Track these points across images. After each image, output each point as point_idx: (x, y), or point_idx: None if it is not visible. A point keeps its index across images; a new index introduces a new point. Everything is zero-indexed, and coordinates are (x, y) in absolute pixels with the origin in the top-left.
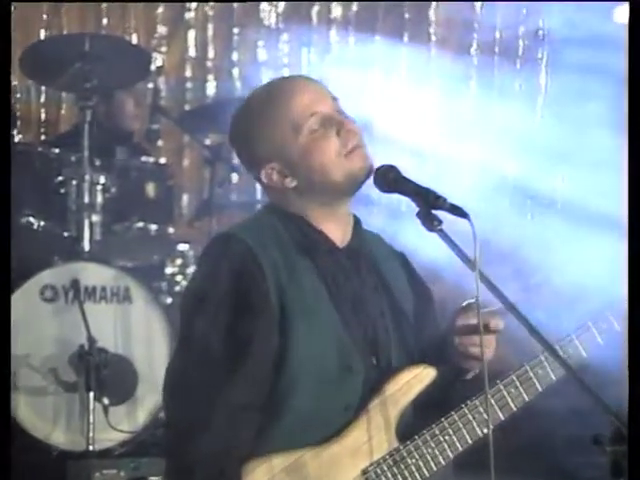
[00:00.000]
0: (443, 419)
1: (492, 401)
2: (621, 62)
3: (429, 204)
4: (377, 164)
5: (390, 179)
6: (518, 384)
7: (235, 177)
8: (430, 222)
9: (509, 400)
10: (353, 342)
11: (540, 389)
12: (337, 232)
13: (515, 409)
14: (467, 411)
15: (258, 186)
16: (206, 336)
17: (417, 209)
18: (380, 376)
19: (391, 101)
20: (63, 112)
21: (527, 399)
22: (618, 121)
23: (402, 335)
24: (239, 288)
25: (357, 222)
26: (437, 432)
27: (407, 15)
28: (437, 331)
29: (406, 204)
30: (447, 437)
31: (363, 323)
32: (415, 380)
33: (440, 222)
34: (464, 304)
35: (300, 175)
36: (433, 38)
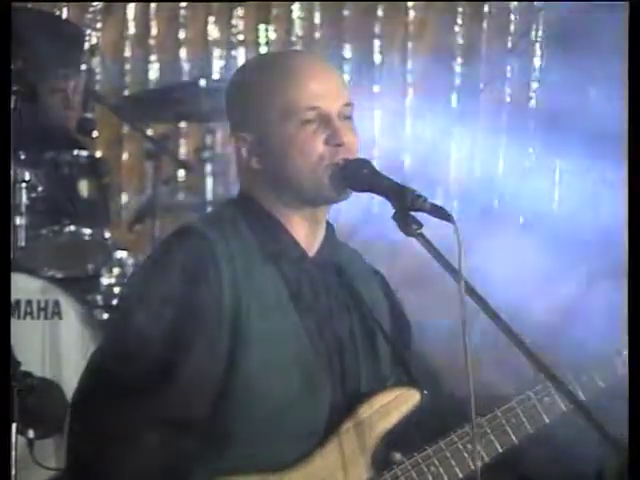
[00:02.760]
0: (427, 447)
1: (488, 429)
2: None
3: (407, 205)
4: None
5: (363, 176)
6: (520, 412)
7: (182, 173)
8: (408, 225)
9: (508, 429)
10: (318, 361)
11: (547, 420)
12: (307, 237)
13: (515, 441)
14: (456, 439)
15: (209, 184)
16: (141, 332)
17: (393, 210)
18: (349, 401)
19: (362, 85)
20: None
21: (530, 430)
22: (623, 109)
23: (374, 360)
24: (190, 284)
25: (330, 229)
26: (420, 461)
27: None
28: (413, 364)
29: (380, 204)
30: (432, 468)
31: (330, 342)
32: (395, 403)
33: (420, 225)
34: None
35: (268, 162)
36: (411, 13)
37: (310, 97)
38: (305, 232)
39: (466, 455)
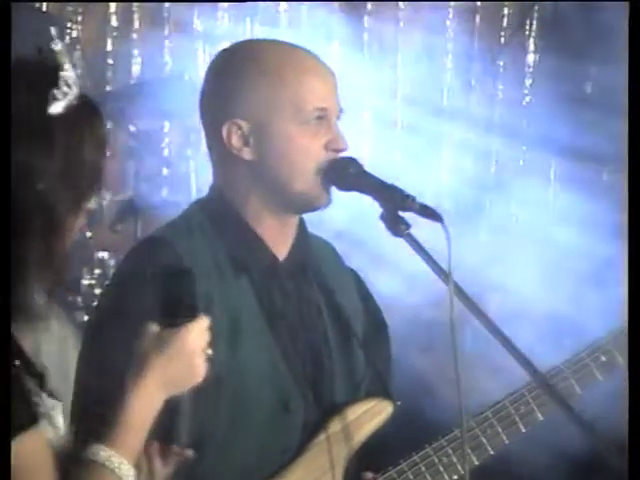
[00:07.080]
0: (402, 461)
1: (478, 431)
2: (625, 40)
3: (395, 204)
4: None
5: (349, 174)
6: (495, 423)
7: (166, 171)
8: (396, 226)
9: (484, 441)
10: (291, 375)
11: (523, 430)
12: (278, 240)
13: (492, 452)
14: (431, 452)
15: (194, 183)
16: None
17: (381, 210)
18: (322, 414)
19: (352, 81)
20: None
21: (506, 441)
22: (620, 107)
23: (349, 365)
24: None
25: (301, 225)
26: (395, 476)
27: None
28: (387, 367)
29: (368, 204)
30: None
31: (303, 352)
32: (367, 416)
33: (408, 226)
34: None
35: (262, 154)
36: (402, 6)
37: (318, 97)
38: (277, 235)
39: (455, 460)
